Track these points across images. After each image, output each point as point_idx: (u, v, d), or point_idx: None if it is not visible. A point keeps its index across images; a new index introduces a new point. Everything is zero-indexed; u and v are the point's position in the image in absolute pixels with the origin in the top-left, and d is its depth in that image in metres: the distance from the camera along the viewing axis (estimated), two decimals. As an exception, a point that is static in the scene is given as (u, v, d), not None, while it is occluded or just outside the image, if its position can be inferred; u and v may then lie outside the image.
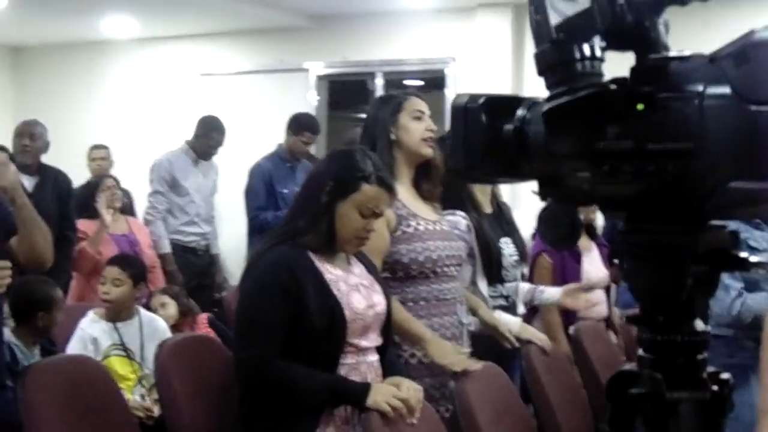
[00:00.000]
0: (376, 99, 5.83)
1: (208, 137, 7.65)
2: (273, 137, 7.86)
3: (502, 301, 4.46)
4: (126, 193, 8.07)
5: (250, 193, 7.35)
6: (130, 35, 9.99)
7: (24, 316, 4.55)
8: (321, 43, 9.45)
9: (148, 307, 5.36)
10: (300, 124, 7.50)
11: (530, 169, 1.37)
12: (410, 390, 3.17)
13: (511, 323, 4.30)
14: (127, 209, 7.52)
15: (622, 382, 1.50)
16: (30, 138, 6.12)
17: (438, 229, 3.83)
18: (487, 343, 4.13)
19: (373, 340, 3.33)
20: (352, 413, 3.20)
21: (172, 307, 5.53)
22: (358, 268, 3.40)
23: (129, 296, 4.89)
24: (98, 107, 10.54)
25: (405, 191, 3.77)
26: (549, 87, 1.37)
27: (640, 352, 1.50)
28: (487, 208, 4.52)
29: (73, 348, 4.70)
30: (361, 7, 9.06)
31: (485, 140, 1.37)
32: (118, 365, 4.76)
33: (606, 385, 1.52)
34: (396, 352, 3.64)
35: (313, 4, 9.06)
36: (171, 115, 9.91)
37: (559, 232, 1.45)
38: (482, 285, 4.33)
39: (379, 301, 3.35)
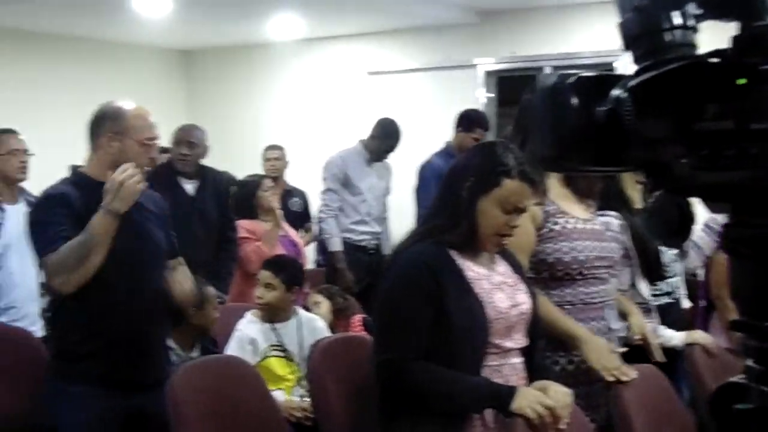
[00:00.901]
0: (528, 89, 5.68)
1: (383, 141, 7.66)
2: (440, 135, 7.80)
3: (666, 299, 4.27)
4: (300, 193, 8.17)
5: (420, 191, 7.29)
6: (296, 36, 10.07)
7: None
8: (489, 38, 9.34)
9: (305, 307, 5.37)
10: (471, 121, 7.41)
11: (628, 156, 1.23)
12: (558, 395, 3.03)
13: (674, 338, 4.11)
14: (300, 209, 7.62)
15: (727, 396, 1.35)
16: (188, 147, 6.18)
17: (588, 228, 3.68)
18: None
19: (518, 341, 3.21)
20: (496, 417, 3.09)
21: (324, 306, 5.51)
22: (503, 267, 3.29)
23: (282, 300, 4.87)
24: (267, 108, 10.66)
25: (556, 187, 3.64)
26: (636, 61, 1.23)
27: (748, 362, 1.33)
28: (639, 204, 4.32)
29: (232, 349, 4.72)
30: (530, 1, 8.91)
31: (576, 125, 1.24)
32: (277, 366, 4.76)
33: (709, 400, 1.36)
34: (543, 356, 3.51)
35: (481, 0, 8.95)
36: (340, 114, 9.96)
37: (669, 226, 1.31)
38: (642, 286, 4.14)
39: (524, 300, 3.24)
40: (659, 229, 1.16)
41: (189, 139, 6.16)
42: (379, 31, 9.89)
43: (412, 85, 9.83)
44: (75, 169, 3.90)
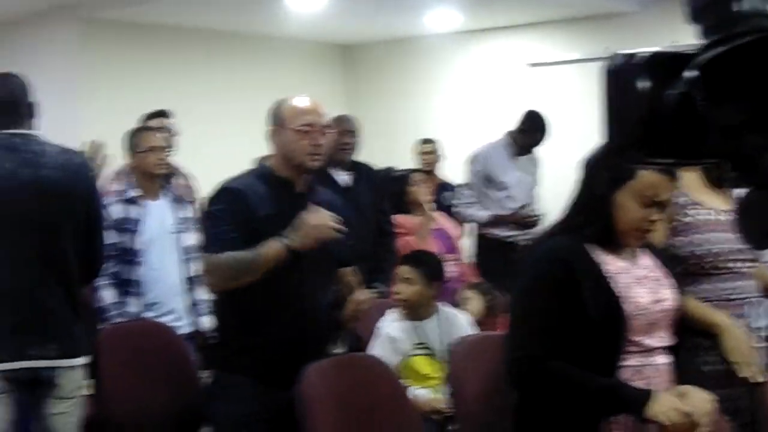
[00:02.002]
0: None
1: (530, 135, 7.52)
2: (600, 128, 7.58)
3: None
4: (454, 188, 8.10)
5: None
6: (455, 28, 10.01)
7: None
8: (650, 28, 9.07)
9: (455, 303, 5.28)
10: None
11: (706, 146, 1.09)
12: (698, 401, 2.89)
13: None
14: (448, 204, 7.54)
15: None
16: (350, 135, 6.17)
17: (723, 220, 3.50)
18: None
19: (662, 339, 3.08)
20: (632, 422, 2.95)
21: (476, 303, 5.42)
22: (647, 261, 3.16)
23: (422, 295, 4.76)
24: (427, 102, 10.65)
25: (691, 177, 3.47)
26: (704, 35, 1.10)
27: None
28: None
29: (374, 348, 4.67)
30: (692, -12, 8.61)
31: (646, 110, 1.11)
32: (422, 364, 4.69)
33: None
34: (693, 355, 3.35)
35: (643, -12, 8.74)
36: (499, 107, 9.85)
37: (763, 227, 1.16)
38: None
39: (668, 296, 3.10)
40: (750, 231, 1.03)
41: (349, 128, 6.15)
42: (539, 22, 9.80)
43: (572, 77, 9.65)
44: (261, 161, 3.94)
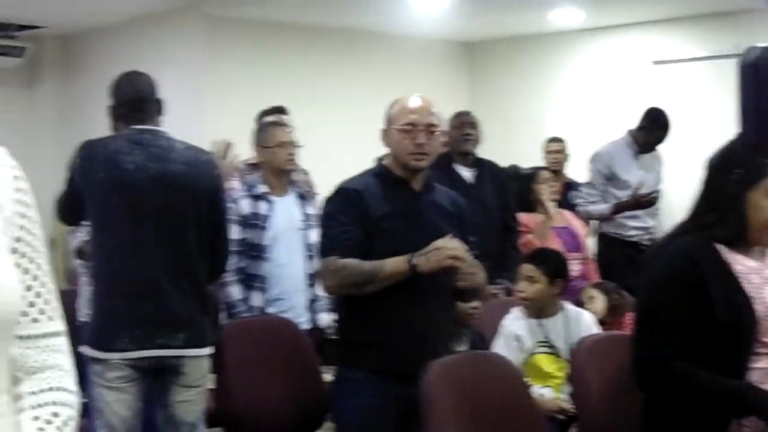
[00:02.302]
0: None
1: (651, 132, 7.41)
2: (728, 126, 7.45)
3: None
4: (579, 186, 8.05)
5: None
6: (579, 25, 9.94)
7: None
8: (778, 27, 8.88)
9: (578, 302, 5.25)
10: None
11: None
12: None
13: None
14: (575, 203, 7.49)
15: None
16: (471, 127, 6.17)
17: None
18: None
19: None
20: (763, 425, 2.90)
21: (600, 302, 5.37)
22: None
23: (545, 293, 4.74)
24: (551, 99, 10.60)
25: None
26: None
27: None
28: None
29: (497, 346, 4.67)
30: (825, -19, 8.38)
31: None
32: (545, 363, 4.68)
33: None
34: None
35: (771, -17, 8.51)
36: (623, 105, 9.72)
37: None
38: None
39: None
40: None
41: (470, 120, 6.16)
42: (664, 19, 9.67)
43: (698, 75, 9.52)
44: (380, 160, 3.99)
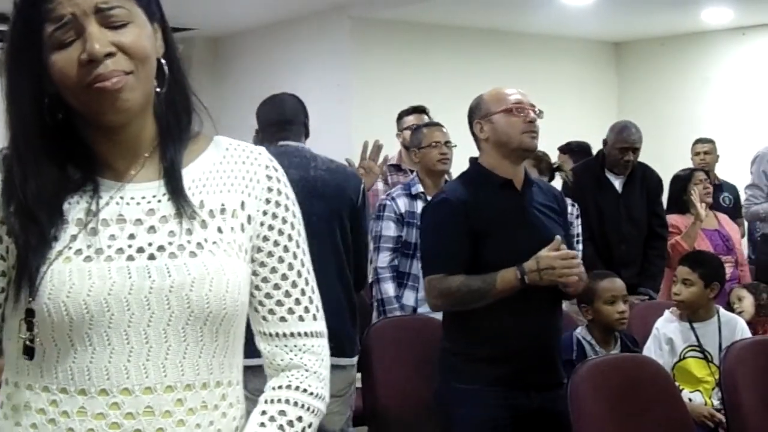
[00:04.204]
0: None
1: None
2: None
3: None
4: (731, 188, 7.94)
5: None
6: (724, 24, 9.81)
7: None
8: None
9: (727, 304, 5.25)
10: None
11: None
12: None
13: None
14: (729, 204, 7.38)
15: None
16: (634, 153, 6.12)
17: None
18: None
19: None
20: None
21: (748, 302, 5.32)
22: None
23: (700, 297, 4.72)
24: (701, 100, 10.45)
25: None
26: None
27: None
28: None
29: (648, 348, 4.67)
30: None
31: None
32: (695, 367, 4.65)
33: None
34: None
35: None
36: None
37: None
38: None
39: None
40: None
41: (635, 145, 6.12)
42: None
43: None
44: (473, 161, 3.90)
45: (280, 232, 1.74)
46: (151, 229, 1.62)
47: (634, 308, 4.98)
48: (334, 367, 3.93)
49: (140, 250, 1.60)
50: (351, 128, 8.54)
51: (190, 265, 1.60)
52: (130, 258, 1.59)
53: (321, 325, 1.81)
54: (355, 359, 4.17)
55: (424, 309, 4.97)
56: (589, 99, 10.34)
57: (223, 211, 1.68)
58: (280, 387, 1.74)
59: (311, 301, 1.78)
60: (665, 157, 8.33)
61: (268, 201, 1.73)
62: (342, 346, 3.99)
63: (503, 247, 3.62)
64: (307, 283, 1.78)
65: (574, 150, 7.72)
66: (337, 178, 4.11)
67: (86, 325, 1.56)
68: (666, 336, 4.69)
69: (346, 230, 4.11)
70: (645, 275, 5.86)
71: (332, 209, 4.05)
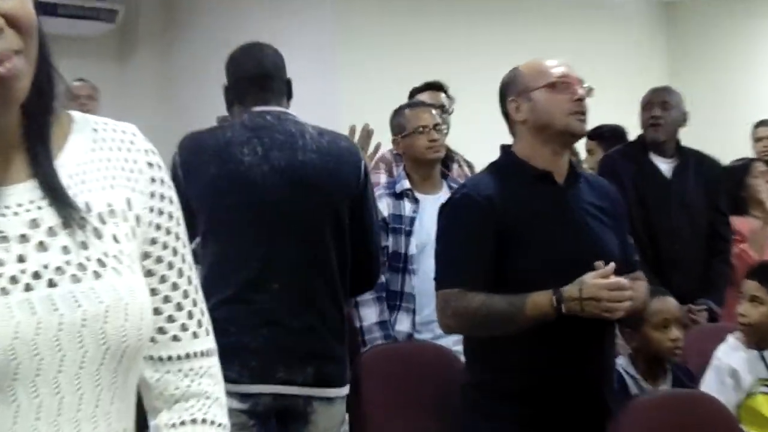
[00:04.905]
0: None
1: None
2: None
3: None
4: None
5: None
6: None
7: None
8: None
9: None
10: None
11: None
12: None
13: None
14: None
15: None
16: (661, 107, 6.02)
17: None
18: None
19: None
20: None
21: None
22: None
23: (773, 319, 4.67)
24: (765, 74, 10.52)
25: None
26: None
27: None
28: None
29: (708, 382, 4.59)
30: None
31: None
32: (766, 406, 4.54)
33: None
34: None
35: None
36: None
37: None
38: None
39: None
40: None
41: (662, 98, 6.01)
42: None
43: None
44: (506, 148, 3.82)
45: (168, 231, 1.73)
46: (41, 246, 1.55)
47: (688, 331, 4.87)
48: (319, 400, 3.85)
49: (36, 275, 1.54)
50: (341, 111, 8.43)
51: (98, 289, 1.56)
52: (28, 287, 1.53)
53: (212, 341, 1.80)
54: (344, 390, 4.01)
55: (427, 335, 4.86)
56: (636, 67, 10.37)
57: (112, 213, 1.64)
58: (184, 422, 1.73)
59: (202, 313, 1.78)
60: (724, 140, 8.25)
61: (152, 195, 1.71)
62: (328, 374, 3.90)
63: (537, 257, 3.56)
64: (197, 291, 1.78)
65: (605, 136, 7.58)
66: (331, 162, 3.95)
67: None
68: (730, 367, 4.61)
69: (341, 225, 3.96)
70: (706, 283, 5.79)
71: (324, 202, 3.92)
